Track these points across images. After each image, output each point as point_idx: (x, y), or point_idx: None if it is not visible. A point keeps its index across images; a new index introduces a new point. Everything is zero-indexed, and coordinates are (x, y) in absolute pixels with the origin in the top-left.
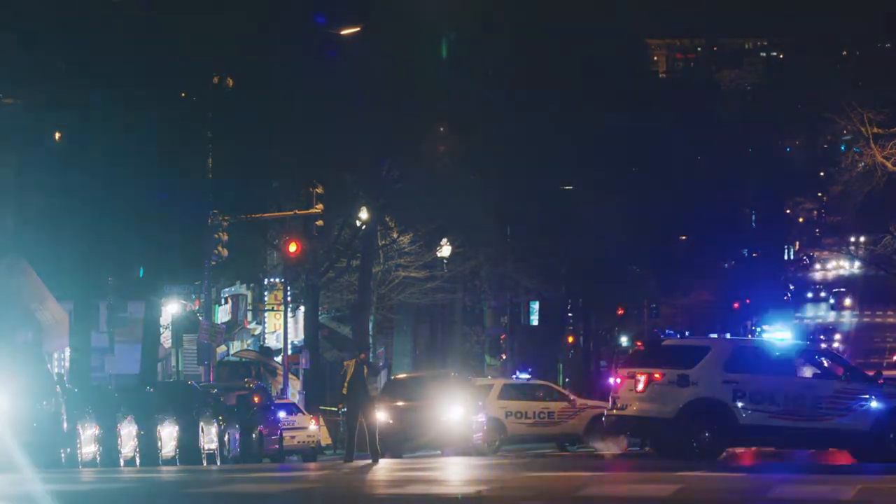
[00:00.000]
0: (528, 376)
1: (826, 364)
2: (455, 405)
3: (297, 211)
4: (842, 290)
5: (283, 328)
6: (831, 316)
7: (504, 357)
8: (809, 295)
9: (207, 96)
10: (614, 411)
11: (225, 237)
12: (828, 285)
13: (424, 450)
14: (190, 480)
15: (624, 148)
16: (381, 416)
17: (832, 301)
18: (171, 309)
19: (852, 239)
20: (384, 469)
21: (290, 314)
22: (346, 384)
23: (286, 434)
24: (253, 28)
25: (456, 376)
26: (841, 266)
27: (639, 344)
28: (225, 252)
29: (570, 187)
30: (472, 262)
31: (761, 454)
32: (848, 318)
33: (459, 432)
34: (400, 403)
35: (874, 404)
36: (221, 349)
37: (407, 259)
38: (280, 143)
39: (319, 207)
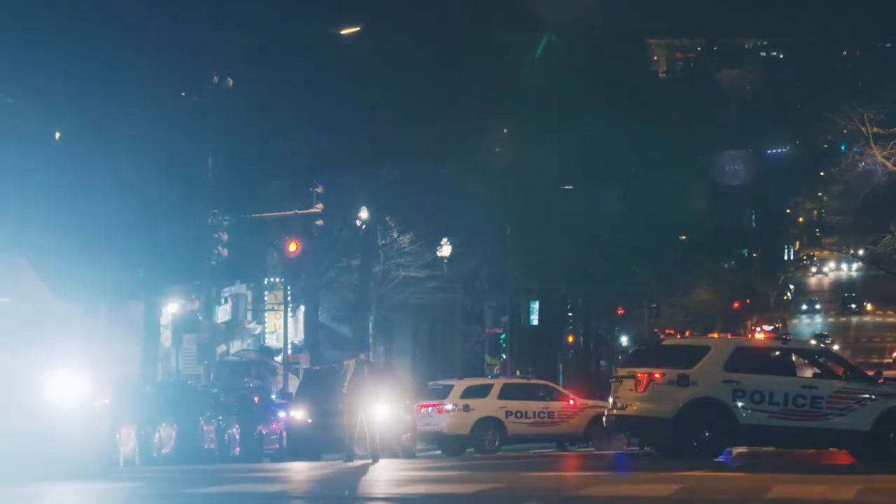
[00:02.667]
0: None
1: (826, 364)
2: (382, 402)
3: (297, 211)
4: (851, 294)
5: (283, 328)
6: (841, 318)
7: (504, 357)
8: (805, 307)
9: (207, 96)
10: (614, 411)
11: (225, 237)
12: (823, 294)
13: (339, 452)
14: (189, 480)
15: (623, 148)
16: (296, 414)
17: (853, 305)
18: (171, 309)
19: (852, 244)
20: (383, 469)
21: (290, 314)
22: (346, 384)
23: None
24: (253, 28)
25: (383, 368)
26: (839, 269)
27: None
28: (225, 252)
29: (570, 187)
30: (472, 262)
31: (761, 454)
32: (848, 319)
33: (385, 432)
34: (317, 400)
35: (874, 404)
36: (221, 349)
37: (407, 259)
38: (280, 142)
39: (319, 207)
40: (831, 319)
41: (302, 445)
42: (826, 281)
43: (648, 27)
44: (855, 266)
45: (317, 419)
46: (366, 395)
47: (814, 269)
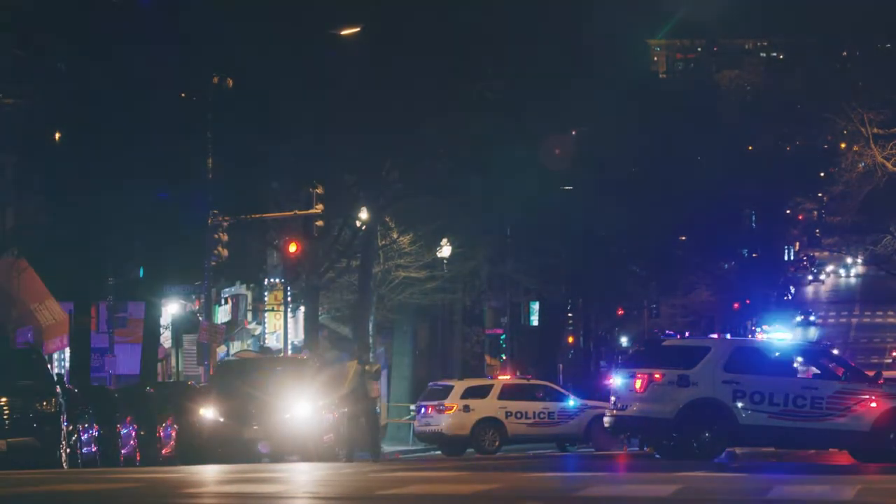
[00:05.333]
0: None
1: (826, 364)
2: (301, 399)
3: (297, 211)
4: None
5: (283, 328)
6: (840, 320)
7: (504, 357)
8: (799, 318)
9: (207, 96)
10: (614, 411)
11: (225, 237)
12: (820, 299)
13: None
14: (190, 480)
15: (624, 148)
16: (208, 412)
17: None
18: (171, 309)
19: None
20: (381, 468)
21: (290, 314)
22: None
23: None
24: (253, 28)
25: (307, 360)
26: (836, 275)
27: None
28: (225, 252)
29: (570, 188)
30: (472, 262)
31: (761, 454)
32: (847, 319)
33: (305, 433)
34: (232, 395)
35: (874, 404)
36: (221, 349)
37: (407, 259)
38: (280, 142)
39: (319, 207)
40: (831, 320)
41: (208, 447)
42: (823, 289)
43: (648, 27)
44: (854, 272)
45: (228, 419)
46: (371, 396)
47: (810, 277)
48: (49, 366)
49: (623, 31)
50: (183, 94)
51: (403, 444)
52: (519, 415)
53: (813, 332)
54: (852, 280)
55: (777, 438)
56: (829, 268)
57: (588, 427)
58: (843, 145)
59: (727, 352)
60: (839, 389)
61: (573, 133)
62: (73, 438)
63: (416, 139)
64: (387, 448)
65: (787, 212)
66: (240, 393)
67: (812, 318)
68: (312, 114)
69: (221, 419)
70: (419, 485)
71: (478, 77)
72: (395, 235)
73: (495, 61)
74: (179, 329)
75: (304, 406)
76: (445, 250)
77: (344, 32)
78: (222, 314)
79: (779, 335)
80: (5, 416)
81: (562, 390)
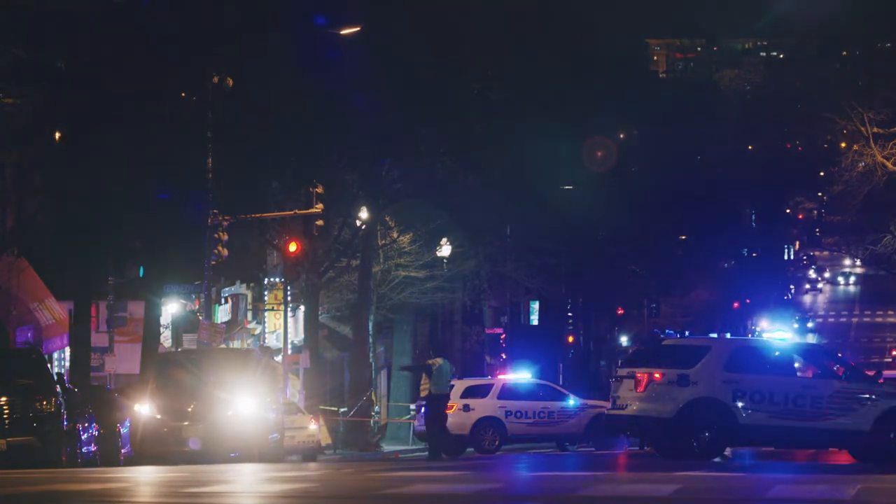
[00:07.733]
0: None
1: (826, 364)
2: (245, 395)
3: (297, 211)
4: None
5: (283, 328)
6: (840, 319)
7: (504, 357)
8: (796, 324)
9: (207, 96)
10: (614, 411)
11: (225, 237)
12: (815, 310)
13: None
14: (190, 479)
15: (624, 148)
16: (144, 409)
17: None
18: (171, 309)
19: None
20: (381, 468)
21: (290, 314)
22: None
23: (286, 434)
24: (253, 28)
25: (251, 352)
26: (835, 284)
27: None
28: (225, 252)
29: (571, 187)
30: (472, 262)
31: (761, 454)
32: (847, 319)
33: (247, 430)
34: (170, 392)
35: (874, 404)
36: (222, 349)
37: (407, 259)
38: (280, 142)
39: (319, 207)
40: (831, 320)
41: (144, 445)
42: (821, 297)
43: (649, 28)
44: (852, 279)
45: (166, 416)
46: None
47: (808, 286)
48: (49, 365)
49: (621, 32)
50: (183, 94)
51: (403, 443)
52: (519, 414)
53: (811, 338)
54: (851, 288)
55: (777, 438)
56: (826, 274)
57: (588, 427)
58: (843, 145)
59: (727, 351)
60: (839, 389)
61: (575, 133)
62: (73, 438)
63: (416, 140)
64: (387, 448)
65: (787, 211)
66: (178, 387)
67: (809, 324)
68: (312, 113)
69: (158, 416)
70: (419, 484)
71: (479, 78)
72: (394, 235)
73: (496, 63)
74: (179, 329)
75: (246, 401)
76: (445, 250)
77: (344, 32)
78: (222, 314)
79: (778, 334)
80: (5, 416)
81: (562, 390)
